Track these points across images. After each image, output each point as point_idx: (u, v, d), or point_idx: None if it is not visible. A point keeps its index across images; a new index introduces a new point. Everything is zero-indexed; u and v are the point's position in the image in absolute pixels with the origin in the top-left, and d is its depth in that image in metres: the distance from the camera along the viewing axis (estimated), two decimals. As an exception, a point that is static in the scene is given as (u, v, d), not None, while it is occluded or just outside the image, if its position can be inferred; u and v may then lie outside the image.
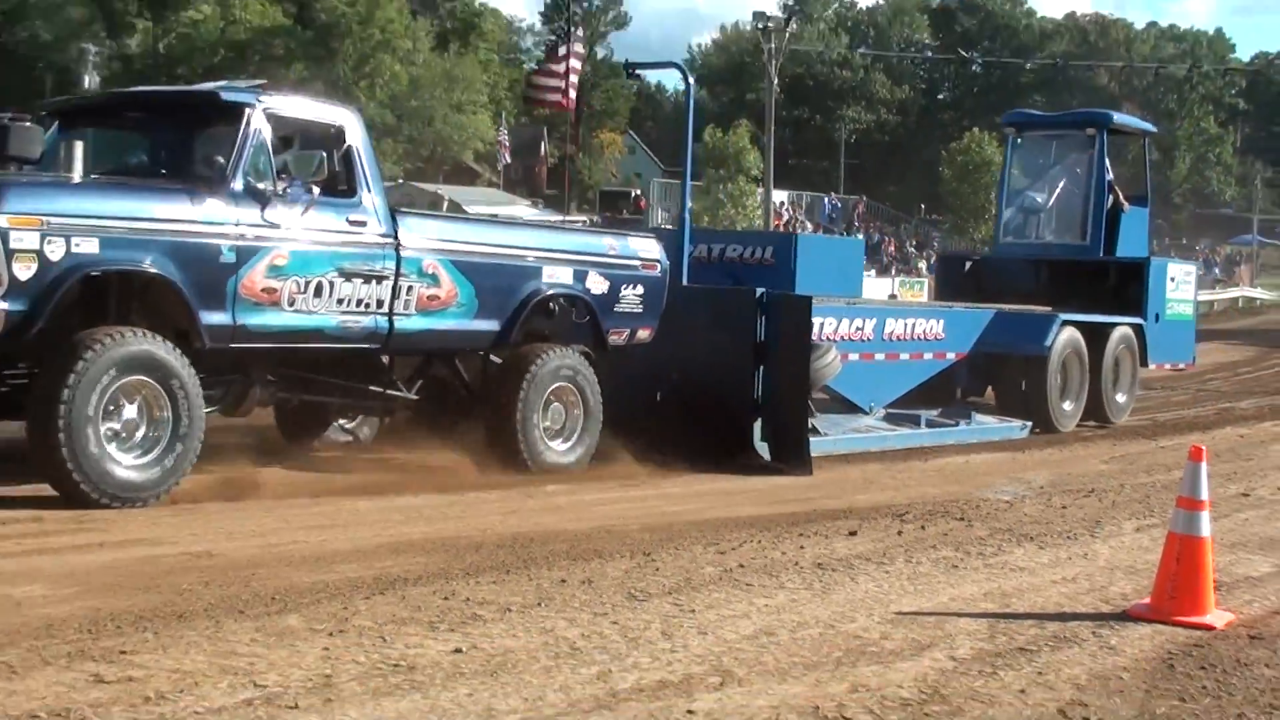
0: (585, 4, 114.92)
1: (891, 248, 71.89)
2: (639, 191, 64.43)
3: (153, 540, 9.76)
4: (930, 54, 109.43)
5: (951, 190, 75.01)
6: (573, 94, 24.06)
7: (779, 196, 66.08)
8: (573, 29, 21.27)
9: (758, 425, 14.38)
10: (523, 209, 56.39)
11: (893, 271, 61.50)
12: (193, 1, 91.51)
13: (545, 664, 6.88)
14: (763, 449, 14.35)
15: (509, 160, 79.51)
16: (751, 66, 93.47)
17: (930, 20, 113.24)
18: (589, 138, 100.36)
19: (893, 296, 27.07)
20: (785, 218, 66.69)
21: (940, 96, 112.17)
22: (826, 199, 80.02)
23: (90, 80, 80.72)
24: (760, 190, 61.94)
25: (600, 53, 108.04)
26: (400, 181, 77.13)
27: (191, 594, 8.10)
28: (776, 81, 61.31)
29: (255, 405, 12.63)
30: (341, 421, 14.54)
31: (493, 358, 13.50)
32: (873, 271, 59.07)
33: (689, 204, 17.39)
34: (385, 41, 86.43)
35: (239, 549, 9.51)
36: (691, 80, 19.18)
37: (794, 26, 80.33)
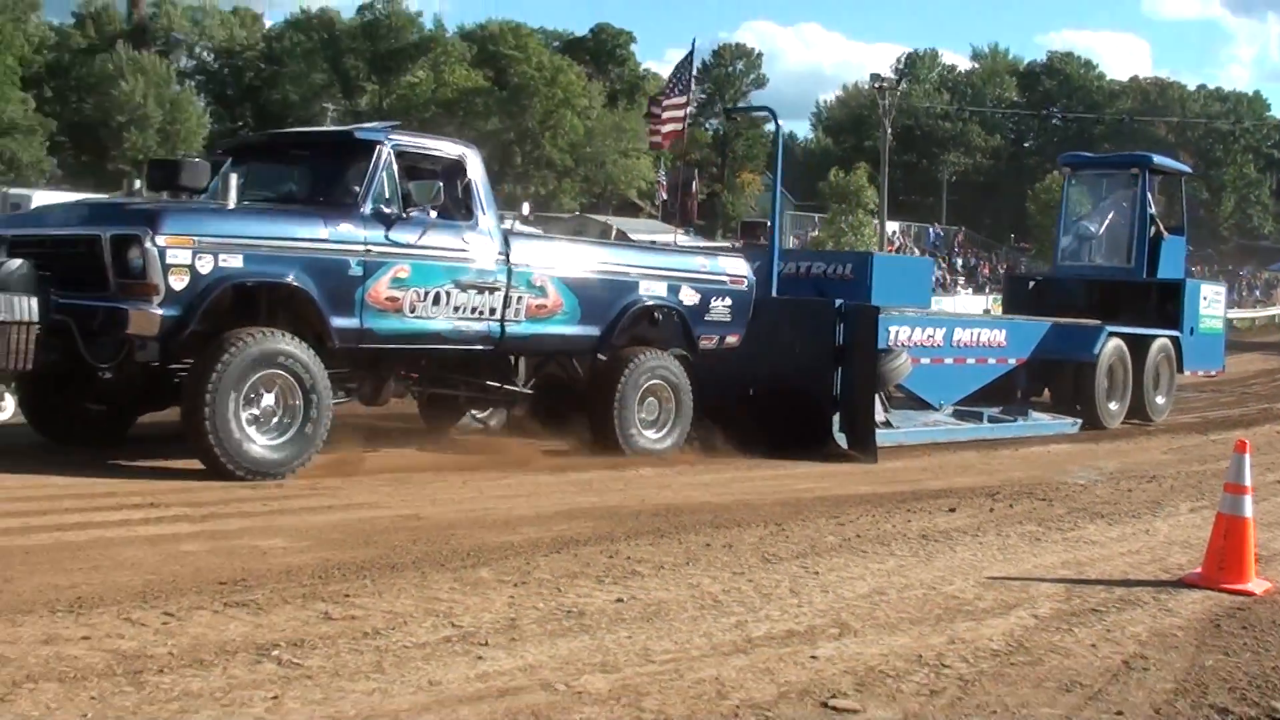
0: (729, 67, 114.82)
1: (986, 270, 71.15)
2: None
3: (372, 504, 9.86)
4: (1018, 109, 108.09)
5: (1036, 222, 74.35)
6: (664, 137, 23.70)
7: (891, 227, 65.71)
8: (683, 83, 20.94)
9: (837, 418, 14.23)
10: (678, 237, 56.33)
11: (987, 290, 60.86)
12: (411, 68, 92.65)
13: (692, 613, 6.85)
14: (841, 439, 14.20)
15: (665, 196, 79.51)
16: (869, 118, 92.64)
17: (1018, 81, 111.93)
18: (733, 177, 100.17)
19: (986, 311, 26.72)
20: (896, 244, 66.24)
21: (1026, 144, 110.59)
22: (931, 229, 79.32)
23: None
24: (875, 221, 61.64)
25: (763, 111, 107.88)
26: (577, 213, 77.51)
27: (402, 549, 8.16)
28: (889, 131, 60.98)
29: (391, 397, 12.67)
30: (474, 412, 14.50)
31: (600, 356, 13.37)
32: (969, 289, 58.49)
33: (778, 225, 17.18)
34: (566, 99, 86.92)
35: (441, 513, 9.57)
36: (780, 122, 19.12)
37: (904, 86, 79.90)
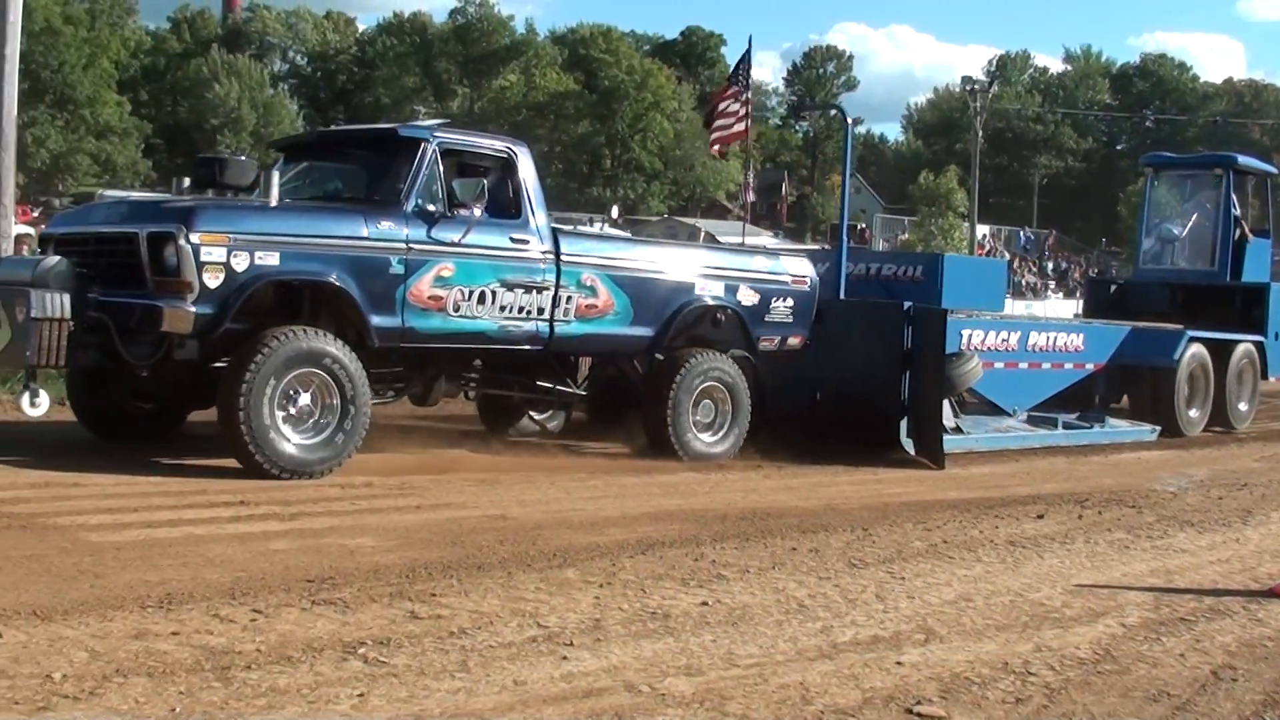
0: (820, 69, 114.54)
1: (1077, 274, 70.44)
2: (864, 225, 63.98)
3: (459, 505, 9.90)
4: (1110, 112, 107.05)
5: (1127, 226, 73.47)
6: (722, 140, 23.17)
7: (982, 230, 65.23)
8: (741, 83, 20.41)
9: (904, 423, 14.07)
10: (766, 239, 56.27)
11: (1077, 294, 60.20)
12: (502, 71, 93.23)
13: (777, 618, 6.83)
14: (908, 444, 14.03)
15: (753, 199, 79.44)
16: (959, 121, 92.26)
17: (1110, 83, 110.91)
18: (822, 180, 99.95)
19: (1076, 315, 26.32)
20: (986, 248, 65.76)
21: (1119, 147, 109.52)
22: (1022, 232, 78.68)
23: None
24: (966, 224, 61.25)
25: (834, 111, 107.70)
26: (666, 216, 77.64)
27: (489, 549, 8.19)
28: (980, 133, 60.55)
29: (441, 397, 12.65)
30: (532, 413, 14.42)
31: (658, 356, 13.22)
32: (1061, 293, 57.87)
33: (846, 224, 16.97)
34: (656, 103, 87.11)
35: (528, 513, 9.59)
36: (850, 120, 18.94)
37: (995, 88, 79.26)
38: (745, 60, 21.47)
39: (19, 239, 17.84)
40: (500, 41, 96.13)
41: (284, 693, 5.22)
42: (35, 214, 31.34)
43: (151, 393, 11.90)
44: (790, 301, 13.96)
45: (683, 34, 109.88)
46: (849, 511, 10.55)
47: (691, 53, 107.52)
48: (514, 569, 7.66)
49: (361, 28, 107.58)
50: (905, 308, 14.16)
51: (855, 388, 14.11)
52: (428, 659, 5.77)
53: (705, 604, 7.04)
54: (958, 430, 14.86)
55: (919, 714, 5.42)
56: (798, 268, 14.37)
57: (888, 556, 8.69)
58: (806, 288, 14.18)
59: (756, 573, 7.94)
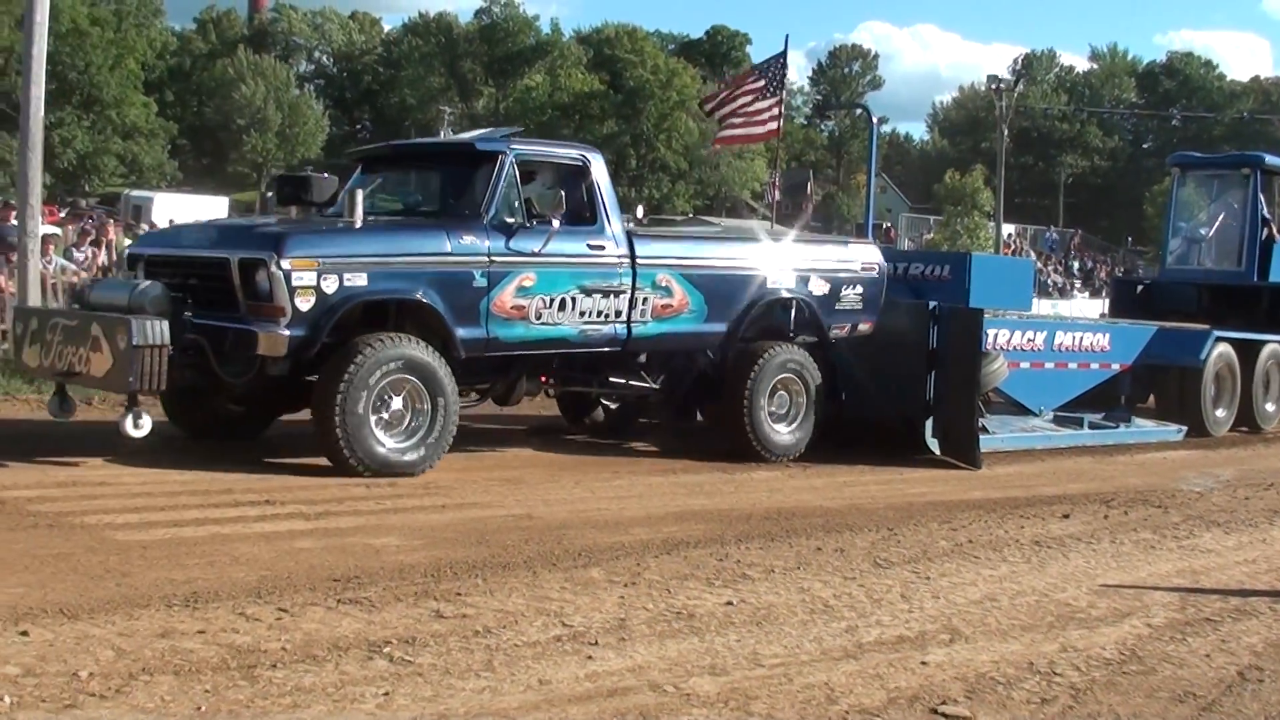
0: (846, 68, 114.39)
1: (1103, 273, 70.22)
2: (889, 224, 63.87)
3: (484, 504, 9.92)
4: (1136, 110, 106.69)
5: (1153, 225, 73.10)
6: (747, 136, 22.46)
7: (1007, 229, 65.01)
8: (775, 82, 19.78)
9: (929, 423, 14.05)
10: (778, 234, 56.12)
11: (1104, 294, 60.04)
12: (527, 71, 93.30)
13: (802, 618, 6.84)
14: (933, 444, 14.00)
15: (779, 198, 79.34)
16: (985, 120, 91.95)
17: (1136, 81, 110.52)
18: (847, 179, 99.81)
19: (1102, 315, 26.14)
20: (1012, 247, 65.57)
21: (1145, 146, 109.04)
22: (1047, 231, 78.43)
23: (445, 135, 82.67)
24: (991, 223, 61.09)
25: (859, 110, 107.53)
26: (690, 215, 77.49)
27: (514, 548, 8.21)
28: (1006, 132, 60.40)
29: (523, 396, 12.71)
30: (605, 403, 14.53)
31: (733, 349, 13.24)
32: (1087, 293, 57.68)
33: (872, 224, 16.92)
34: (681, 102, 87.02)
35: (553, 513, 9.61)
36: (875, 119, 18.92)
37: (1021, 87, 79.02)
38: (780, 60, 21.05)
39: (46, 239, 17.91)
40: (525, 42, 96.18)
41: (309, 691, 5.24)
42: (62, 214, 31.47)
43: (242, 398, 12.11)
44: (859, 289, 14.04)
45: (708, 33, 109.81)
46: (874, 511, 10.54)
47: (716, 52, 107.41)
48: (539, 568, 7.68)
49: (387, 28, 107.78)
50: (931, 307, 14.14)
51: (881, 387, 14.07)
52: (453, 658, 5.78)
53: (730, 604, 7.05)
54: (983, 430, 14.81)
55: (944, 714, 5.42)
56: (866, 255, 14.46)
57: (913, 556, 8.69)
58: (875, 274, 14.27)
59: (781, 572, 7.94)
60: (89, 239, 22.73)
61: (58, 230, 24.35)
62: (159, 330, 10.09)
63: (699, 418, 14.11)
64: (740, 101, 21.12)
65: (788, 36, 24.49)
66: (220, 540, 8.03)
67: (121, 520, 8.51)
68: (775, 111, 20.14)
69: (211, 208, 54.22)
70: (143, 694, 5.12)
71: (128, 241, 24.70)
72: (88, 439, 11.65)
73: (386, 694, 5.26)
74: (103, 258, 22.30)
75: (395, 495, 9.99)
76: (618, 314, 12.21)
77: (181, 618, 6.19)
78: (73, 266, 19.71)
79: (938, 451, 13.87)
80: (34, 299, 15.53)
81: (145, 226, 33.46)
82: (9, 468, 10.25)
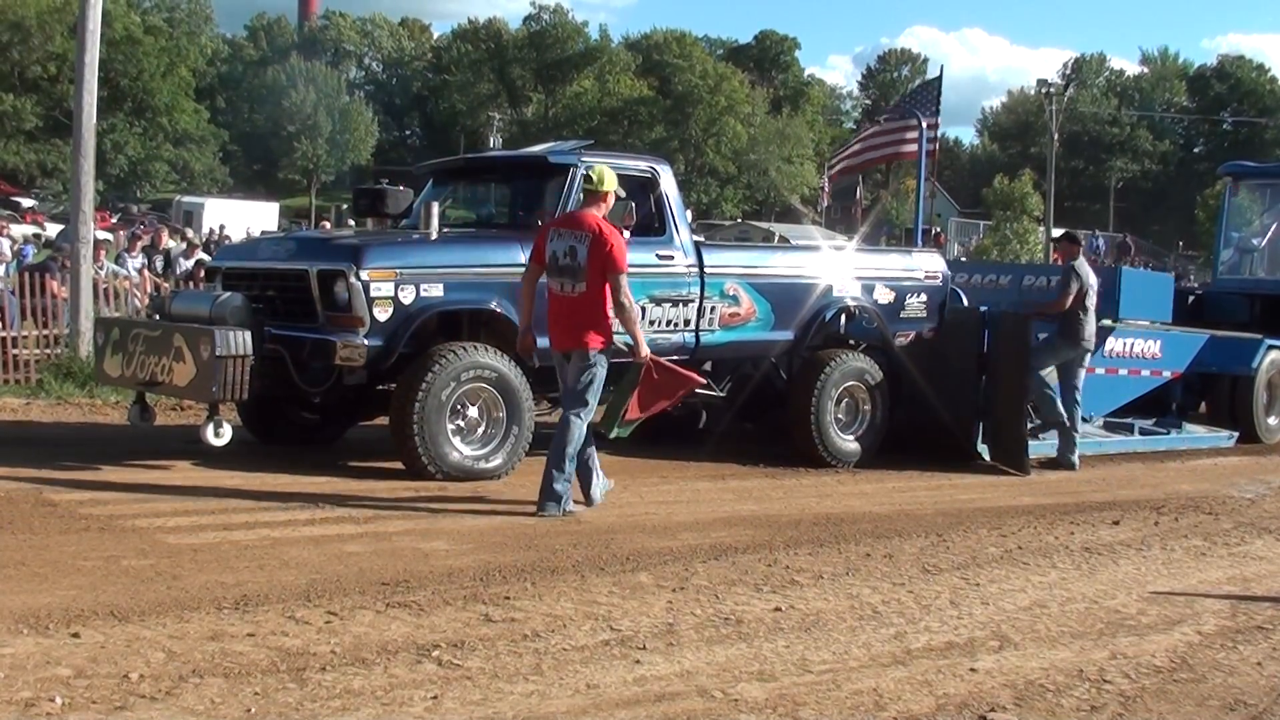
0: (894, 73, 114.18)
1: (1154, 279, 69.78)
2: (939, 229, 63.71)
3: (532, 508, 9.92)
4: (1187, 114, 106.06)
5: (1204, 229, 72.51)
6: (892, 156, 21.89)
7: (1057, 234, 64.75)
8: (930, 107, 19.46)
9: (980, 429, 13.99)
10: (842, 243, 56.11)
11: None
12: (576, 77, 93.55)
13: (851, 624, 6.82)
14: (983, 450, 13.95)
15: (829, 203, 79.16)
16: (1035, 124, 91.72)
17: (1187, 85, 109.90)
18: (897, 183, 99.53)
19: (1153, 322, 25.85)
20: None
21: (1196, 150, 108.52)
22: (1095, 238, 78.01)
23: (494, 141, 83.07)
24: (1041, 228, 60.80)
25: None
26: (739, 220, 77.51)
27: (562, 553, 8.23)
28: (1056, 137, 60.10)
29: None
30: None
31: (800, 357, 13.29)
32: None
33: (921, 228, 16.85)
34: (729, 107, 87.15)
35: (601, 517, 9.61)
36: (924, 124, 18.73)
37: (1071, 91, 78.64)
38: (936, 85, 20.81)
39: (98, 244, 18.06)
40: (574, 48, 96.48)
41: (358, 694, 5.26)
42: (114, 220, 31.75)
43: (318, 406, 12.26)
44: (924, 297, 14.04)
45: (756, 38, 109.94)
46: (923, 517, 10.50)
47: (765, 56, 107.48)
48: (587, 573, 7.69)
49: (436, 35, 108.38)
50: (982, 312, 14.11)
51: (932, 393, 14.02)
52: (501, 662, 5.80)
53: (778, 609, 7.04)
54: (1033, 436, 14.73)
55: (993, 721, 5.40)
56: (930, 264, 14.47)
57: (962, 562, 8.66)
58: (939, 282, 14.27)
59: (830, 578, 7.93)
60: (140, 244, 22.92)
61: (109, 236, 24.53)
62: (242, 341, 10.22)
63: (751, 425, 14.07)
64: (875, 129, 21.12)
65: (942, 67, 24.57)
66: (270, 544, 8.08)
67: (172, 524, 8.57)
68: (931, 135, 19.76)
69: (262, 213, 54.64)
70: (192, 696, 5.15)
71: (170, 244, 24.94)
72: (139, 443, 11.74)
73: (435, 697, 5.28)
74: (159, 263, 22.51)
75: (444, 499, 10.01)
76: (686, 323, 12.26)
77: (231, 620, 6.23)
78: (124, 272, 19.83)
79: (988, 457, 13.82)
80: (85, 304, 15.68)
81: (191, 233, 33.78)
82: (67, 471, 10.34)
